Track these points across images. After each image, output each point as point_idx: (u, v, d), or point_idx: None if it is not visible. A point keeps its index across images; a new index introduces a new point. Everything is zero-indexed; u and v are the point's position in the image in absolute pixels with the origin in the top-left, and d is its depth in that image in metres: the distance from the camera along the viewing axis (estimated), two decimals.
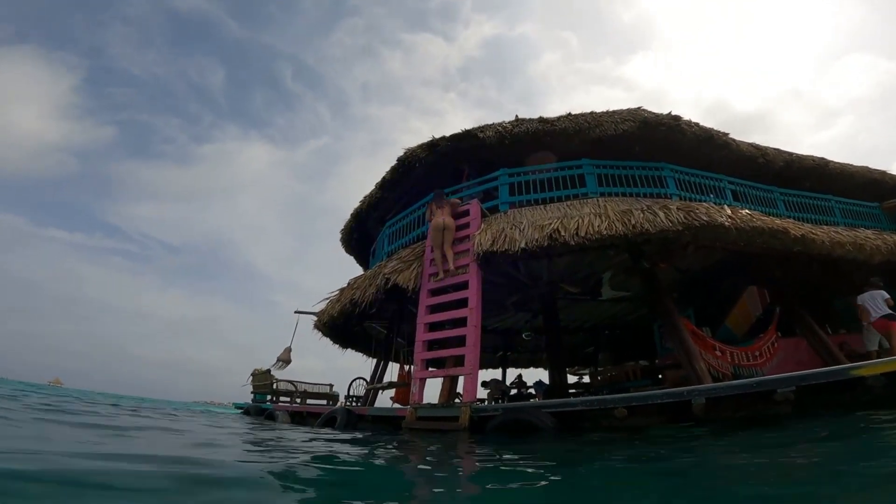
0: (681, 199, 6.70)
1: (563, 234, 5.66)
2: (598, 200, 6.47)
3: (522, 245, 5.67)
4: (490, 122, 7.66)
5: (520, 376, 12.16)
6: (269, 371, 10.25)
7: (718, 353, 6.83)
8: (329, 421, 6.04)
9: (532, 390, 11.20)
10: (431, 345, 6.00)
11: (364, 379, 9.64)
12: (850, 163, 9.53)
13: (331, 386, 11.16)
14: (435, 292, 6.12)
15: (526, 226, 6.01)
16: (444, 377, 5.84)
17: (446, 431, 4.66)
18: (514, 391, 11.66)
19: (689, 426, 4.18)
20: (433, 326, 5.98)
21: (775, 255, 6.68)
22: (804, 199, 8.17)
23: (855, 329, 7.76)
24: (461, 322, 5.54)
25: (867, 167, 9.63)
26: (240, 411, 11.17)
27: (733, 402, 4.21)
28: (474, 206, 6.62)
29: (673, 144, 7.60)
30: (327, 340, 10.30)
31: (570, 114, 7.46)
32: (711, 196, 7.11)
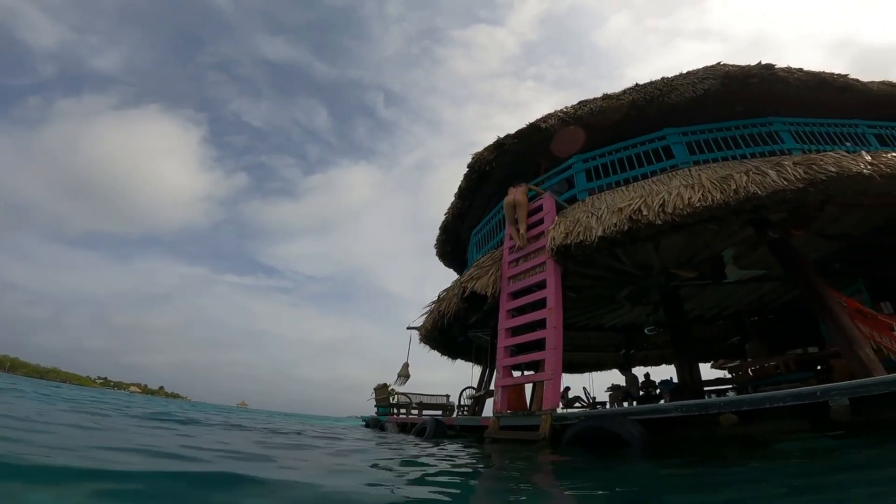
0: (803, 153, 5.46)
1: (645, 213, 4.99)
2: (689, 170, 5.60)
3: (599, 233, 5.14)
4: (573, 102, 7.24)
5: (647, 375, 10.93)
6: (386, 385, 10.94)
7: None
8: (421, 431, 6.17)
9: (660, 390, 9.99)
10: (519, 350, 5.77)
11: (473, 388, 9.69)
12: None
13: (447, 397, 11.45)
14: (515, 295, 5.88)
15: (604, 211, 5.45)
16: (535, 383, 5.55)
17: (528, 442, 4.40)
18: (641, 392, 10.54)
19: (837, 435, 3.24)
20: (517, 331, 5.74)
21: None
22: None
23: None
24: (542, 324, 5.21)
25: None
26: (363, 423, 12.10)
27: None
28: (547, 200, 6.24)
29: (780, 97, 6.46)
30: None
31: (636, 84, 6.66)
32: (848, 144, 5.72)
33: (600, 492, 2.21)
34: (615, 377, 12.23)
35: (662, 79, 6.68)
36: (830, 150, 5.47)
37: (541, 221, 6.13)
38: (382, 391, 10.94)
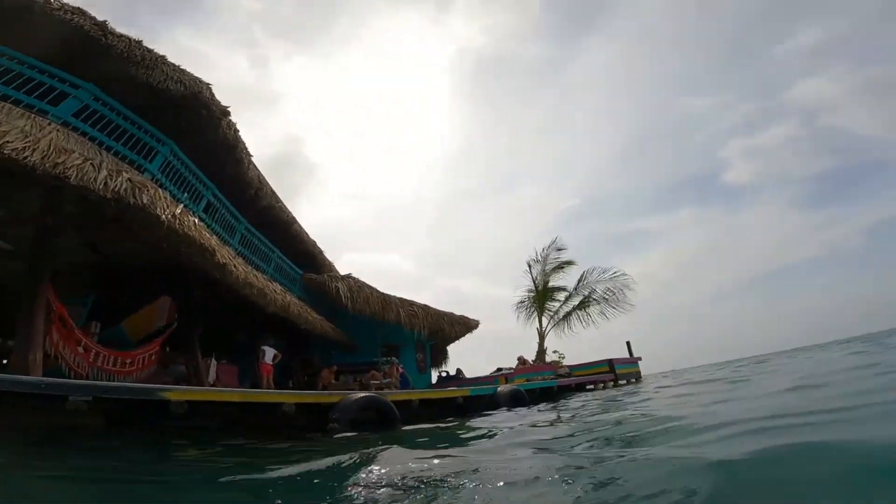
0: (157, 181, 6.03)
1: None
2: (53, 125, 5.05)
3: None
4: None
5: None
6: None
7: (81, 350, 5.95)
8: None
9: None
10: None
11: None
12: (309, 233, 11.66)
13: None
14: None
15: None
16: None
17: None
18: None
19: None
20: None
21: (201, 274, 6.75)
22: (256, 241, 8.90)
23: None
24: None
25: (314, 241, 12.08)
26: None
27: (21, 404, 3.36)
28: None
29: (202, 130, 7.08)
30: None
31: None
32: (186, 195, 6.75)
33: None
34: None
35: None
36: (173, 193, 6.21)
37: None
38: None
